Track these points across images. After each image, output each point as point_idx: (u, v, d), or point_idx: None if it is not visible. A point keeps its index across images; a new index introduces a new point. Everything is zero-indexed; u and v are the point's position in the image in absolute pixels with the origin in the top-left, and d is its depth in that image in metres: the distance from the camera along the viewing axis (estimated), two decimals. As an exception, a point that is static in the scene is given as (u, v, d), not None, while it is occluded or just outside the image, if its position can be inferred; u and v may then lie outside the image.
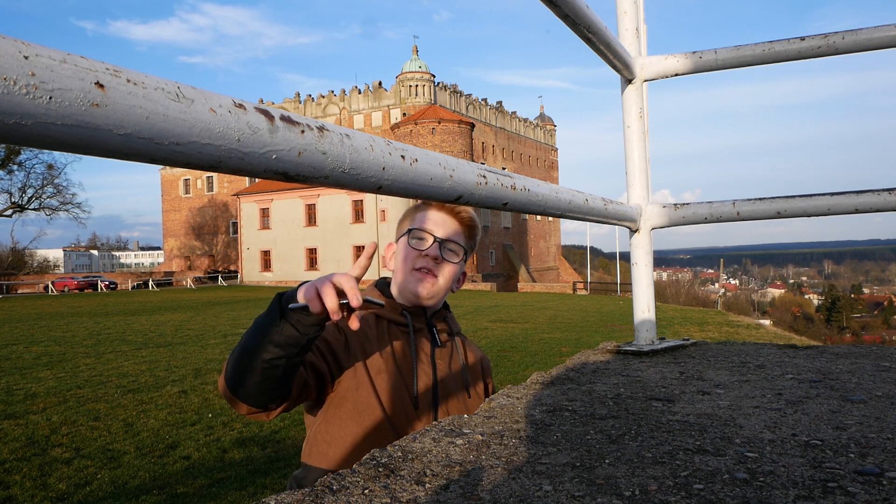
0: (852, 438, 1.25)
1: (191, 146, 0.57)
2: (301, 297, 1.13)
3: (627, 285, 43.04)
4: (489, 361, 1.62)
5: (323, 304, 1.11)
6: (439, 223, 1.44)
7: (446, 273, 1.43)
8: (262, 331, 1.15)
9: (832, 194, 2.10)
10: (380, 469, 1.14)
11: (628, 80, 2.28)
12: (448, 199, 1.00)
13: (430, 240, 1.42)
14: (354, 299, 1.11)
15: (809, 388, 1.70)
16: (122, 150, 0.53)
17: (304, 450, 1.45)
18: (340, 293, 1.12)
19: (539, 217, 79.63)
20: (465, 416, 1.50)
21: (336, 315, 1.10)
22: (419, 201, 1.48)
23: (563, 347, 13.63)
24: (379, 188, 0.83)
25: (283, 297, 1.16)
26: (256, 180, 62.07)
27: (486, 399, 1.65)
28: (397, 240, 1.49)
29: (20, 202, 55.95)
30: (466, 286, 48.22)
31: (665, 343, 2.35)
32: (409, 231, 1.44)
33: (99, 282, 54.17)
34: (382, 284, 1.53)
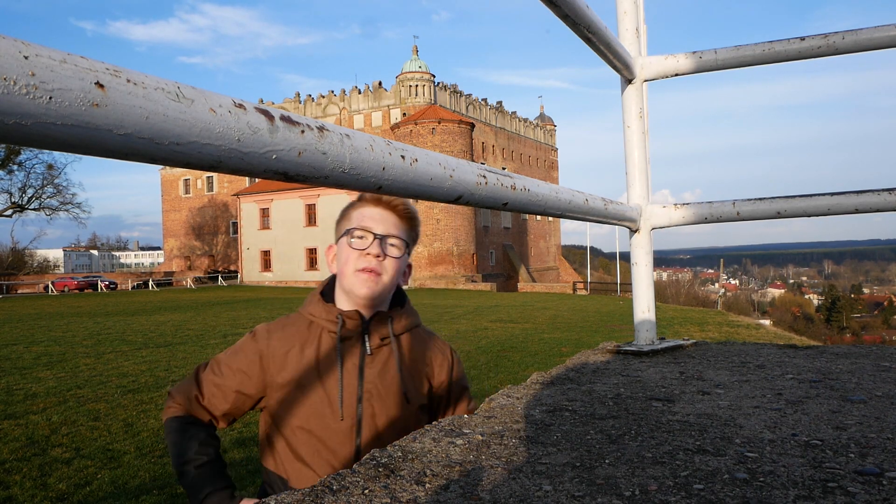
0: (852, 438, 1.25)
1: (191, 146, 0.57)
2: None
3: (627, 285, 43.04)
4: (452, 353, 1.57)
5: None
6: (377, 219, 1.42)
7: (390, 269, 1.41)
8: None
9: (832, 194, 2.10)
10: (380, 469, 1.14)
11: (628, 81, 2.28)
12: (448, 199, 1.00)
13: (370, 237, 1.40)
14: None
15: (809, 388, 1.70)
16: (123, 150, 0.53)
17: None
18: None
19: (539, 217, 79.61)
20: (465, 416, 1.50)
21: None
22: (354, 199, 1.48)
23: (563, 347, 13.63)
24: (379, 188, 0.83)
25: None
26: (256, 180, 62.06)
27: (487, 399, 1.65)
28: (337, 241, 1.47)
29: (20, 202, 55.95)
30: (466, 286, 48.21)
31: (665, 343, 2.35)
32: (348, 231, 1.42)
33: (99, 282, 54.16)
34: (328, 290, 1.51)
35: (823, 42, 2.12)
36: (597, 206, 1.79)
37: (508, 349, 13.40)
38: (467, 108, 67.68)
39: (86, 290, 51.97)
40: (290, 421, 1.37)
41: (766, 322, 41.45)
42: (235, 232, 66.79)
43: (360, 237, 1.41)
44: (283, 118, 0.66)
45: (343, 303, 1.45)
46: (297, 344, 1.41)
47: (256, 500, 1.21)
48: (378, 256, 1.39)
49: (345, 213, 1.48)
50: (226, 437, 6.90)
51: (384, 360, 1.44)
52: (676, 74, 2.27)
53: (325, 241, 52.83)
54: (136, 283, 59.17)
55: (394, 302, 1.53)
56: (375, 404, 1.41)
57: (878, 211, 2.03)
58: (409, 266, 1.52)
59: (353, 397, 1.39)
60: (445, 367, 1.55)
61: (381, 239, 1.40)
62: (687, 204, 2.31)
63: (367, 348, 1.43)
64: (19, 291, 54.71)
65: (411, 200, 1.34)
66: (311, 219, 55.07)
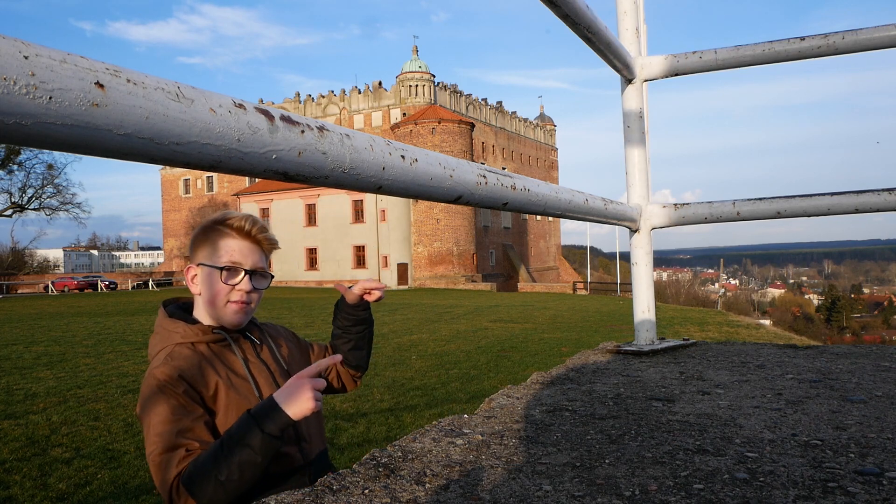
0: (852, 438, 1.25)
1: (191, 146, 0.57)
2: (297, 412, 1.28)
3: (627, 285, 43.05)
4: (287, 328, 1.79)
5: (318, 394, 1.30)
6: (246, 254, 1.51)
7: (256, 298, 1.55)
8: (262, 454, 1.28)
9: (832, 194, 2.09)
10: (380, 469, 1.14)
11: (628, 80, 2.27)
12: (448, 198, 1.00)
13: (241, 273, 1.50)
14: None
15: (809, 388, 1.70)
16: (123, 150, 0.53)
17: None
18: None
19: (539, 217, 79.60)
20: (465, 415, 1.50)
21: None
22: (212, 225, 1.55)
23: (563, 347, 13.64)
24: (379, 188, 0.83)
25: (266, 423, 1.29)
26: (256, 180, 62.08)
27: (485, 401, 1.65)
28: (197, 264, 1.54)
29: (20, 202, 55.95)
30: (466, 286, 48.24)
31: (665, 343, 2.34)
32: (218, 267, 1.50)
33: (99, 282, 54.16)
34: (178, 311, 1.58)
35: (823, 42, 2.12)
36: (597, 206, 1.79)
37: (508, 349, 13.41)
38: (467, 108, 67.69)
39: (86, 290, 51.97)
40: (230, 421, 1.43)
41: (767, 322, 41.45)
42: (235, 232, 66.66)
43: (231, 270, 1.49)
44: (283, 118, 0.66)
45: (208, 322, 1.54)
46: (204, 362, 1.47)
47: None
48: (250, 292, 1.50)
49: (207, 237, 1.53)
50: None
51: (267, 347, 1.61)
52: (676, 74, 2.27)
53: (325, 240, 52.89)
54: (136, 283, 59.15)
55: None
56: (285, 379, 1.56)
57: (878, 211, 2.03)
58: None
59: (269, 379, 1.53)
60: (289, 333, 1.77)
61: (252, 274, 1.51)
62: (687, 204, 2.31)
63: (255, 341, 1.59)
64: (19, 291, 54.74)
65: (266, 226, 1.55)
66: (312, 219, 55.09)
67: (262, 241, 1.54)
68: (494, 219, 68.66)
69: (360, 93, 65.13)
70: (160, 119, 0.53)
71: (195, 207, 74.82)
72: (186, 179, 76.00)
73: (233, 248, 1.50)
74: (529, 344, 14.15)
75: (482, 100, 71.83)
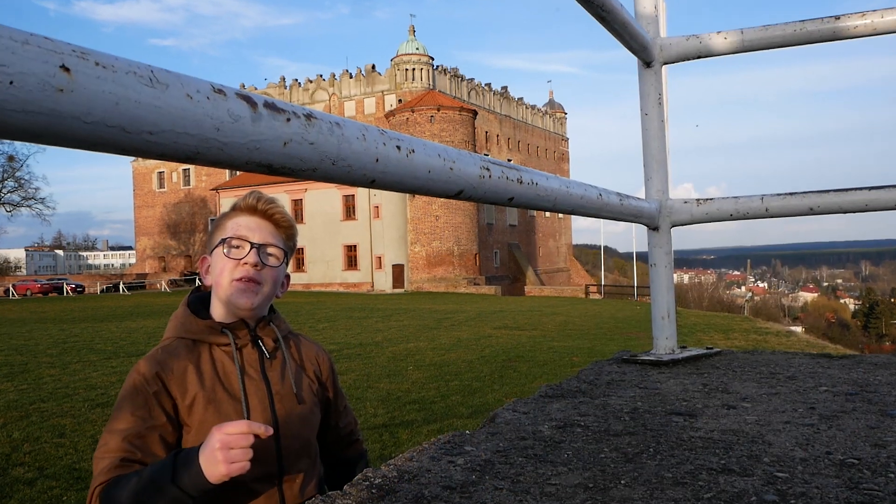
0: (892, 457, 1.25)
1: (165, 135, 0.57)
2: (212, 475, 1.23)
3: (645, 288, 43.06)
4: (329, 355, 1.70)
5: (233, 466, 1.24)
6: (254, 228, 1.49)
7: (269, 279, 1.49)
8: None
9: (870, 189, 2.09)
10: (373, 490, 1.14)
11: (646, 64, 2.28)
12: (448, 193, 1.00)
13: (247, 247, 1.47)
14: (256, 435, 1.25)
15: (845, 401, 1.70)
16: (90, 139, 0.53)
17: None
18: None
19: (548, 214, 79.69)
20: (467, 432, 1.50)
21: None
22: (224, 212, 1.56)
23: (575, 357, 13.64)
24: (372, 182, 0.83)
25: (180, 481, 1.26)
26: (237, 173, 62.07)
27: (489, 416, 1.65)
28: (211, 251, 1.53)
29: (-22, 197, 56.02)
30: (468, 290, 48.26)
31: (686, 352, 2.35)
32: (224, 241, 1.48)
33: (65, 285, 54.22)
34: (197, 302, 1.57)
35: (861, 21, 2.12)
36: (612, 201, 1.79)
37: (514, 359, 13.41)
38: (469, 93, 67.77)
39: (50, 294, 52.00)
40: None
41: (798, 329, 41.50)
42: (214, 230, 66.66)
43: (237, 246, 1.47)
44: (266, 105, 0.66)
45: (221, 315, 1.52)
46: (192, 363, 1.46)
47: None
48: (256, 266, 1.46)
49: (218, 224, 1.55)
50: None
51: (280, 363, 1.54)
52: (699, 57, 2.27)
53: (313, 239, 52.86)
54: (105, 287, 59.21)
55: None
56: (285, 406, 1.50)
57: (920, 207, 2.03)
58: (287, 277, 1.60)
59: (264, 403, 1.47)
60: (327, 364, 1.66)
61: (259, 248, 1.47)
62: (711, 199, 2.31)
63: (266, 352, 1.52)
64: (-23, 295, 54.77)
65: (288, 211, 1.45)
66: (298, 215, 55.03)
67: (272, 214, 1.52)
68: (499, 216, 68.72)
69: (351, 77, 65.19)
70: (132, 106, 0.53)
71: (170, 203, 74.85)
72: (161, 172, 76.01)
73: (239, 224, 1.50)
74: (537, 353, 14.16)
75: (485, 85, 71.86)
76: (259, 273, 1.47)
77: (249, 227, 1.49)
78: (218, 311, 1.52)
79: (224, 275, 1.46)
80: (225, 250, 1.47)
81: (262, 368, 1.50)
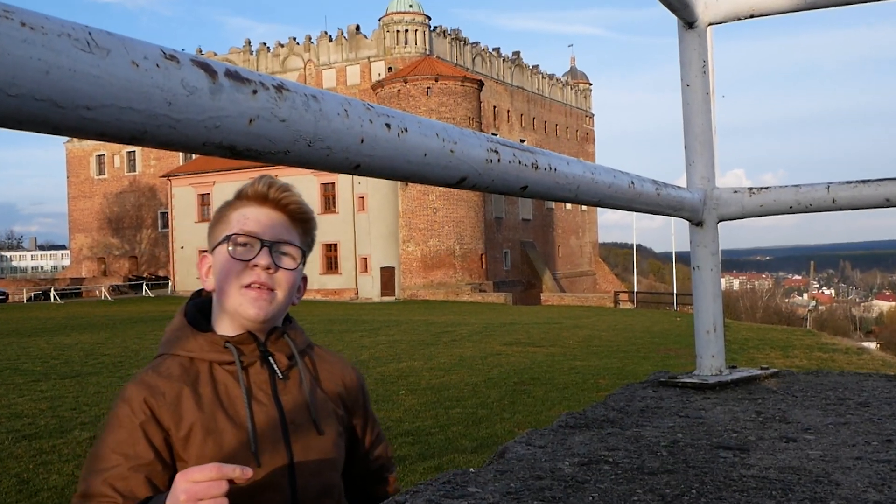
0: None
1: (106, 111, 0.57)
2: None
3: (687, 296, 43.07)
4: (358, 373, 1.68)
5: None
6: (264, 222, 1.47)
7: (284, 283, 1.46)
8: None
9: (959, 175, 2.09)
10: (357, 541, 1.14)
11: (688, 24, 2.28)
12: (448, 181, 1.00)
13: (257, 245, 1.45)
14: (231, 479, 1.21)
15: (929, 432, 1.70)
16: (15, 116, 0.53)
17: None
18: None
19: (569, 206, 79.73)
20: (471, 470, 1.50)
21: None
22: (225, 202, 1.53)
23: (601, 379, 13.65)
24: (356, 167, 0.83)
25: None
26: (193, 157, 62.11)
27: (498, 451, 1.65)
28: (212, 249, 1.51)
29: None
30: (472, 297, 48.26)
31: (737, 373, 2.35)
32: (228, 238, 1.46)
33: (-16, 292, 54.26)
34: (195, 310, 1.55)
35: (947, -27, 2.12)
36: (646, 190, 1.79)
37: (528, 381, 13.42)
38: (474, 60, 67.85)
39: (-33, 303, 52.01)
40: None
41: (872, 345, 41.48)
42: (166, 226, 66.85)
43: (245, 245, 1.45)
44: (229, 74, 0.66)
45: (225, 327, 1.50)
46: (188, 387, 1.45)
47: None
48: (269, 269, 1.44)
49: (220, 215, 1.53)
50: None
51: (296, 383, 1.51)
52: (751, 16, 2.27)
53: (284, 237, 52.88)
54: (33, 294, 59.23)
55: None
56: (302, 437, 1.47)
57: None
58: (305, 279, 1.58)
59: (276, 433, 1.45)
60: (355, 383, 1.64)
61: (272, 247, 1.45)
62: (766, 188, 2.31)
63: (278, 372, 1.49)
64: None
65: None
66: (267, 208, 55.00)
67: (287, 204, 1.49)
68: (510, 208, 68.81)
69: (331, 41, 65.27)
70: (65, 75, 0.53)
71: (112, 193, 74.90)
72: (100, 156, 76.07)
73: (247, 217, 1.47)
74: (556, 374, 14.16)
75: (493, 50, 71.98)
76: (272, 277, 1.44)
77: (259, 221, 1.46)
78: (221, 322, 1.50)
79: (230, 280, 1.44)
80: (230, 249, 1.44)
81: (273, 391, 1.48)
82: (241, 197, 1.51)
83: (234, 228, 1.46)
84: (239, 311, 1.44)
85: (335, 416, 1.55)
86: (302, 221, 1.52)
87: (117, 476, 1.36)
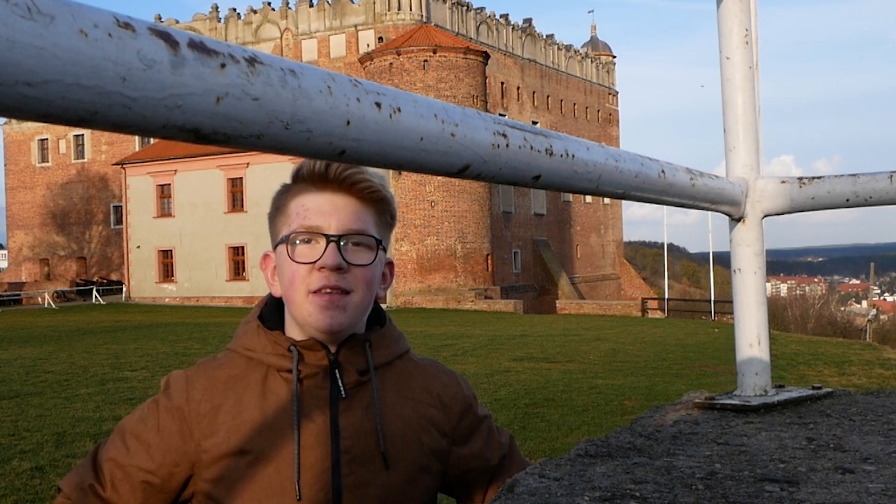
0: None
1: (49, 88, 0.57)
2: None
3: (726, 303, 43.09)
4: (467, 386, 1.62)
5: None
6: (328, 210, 1.42)
7: (360, 283, 1.43)
8: None
9: None
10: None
11: (728, -13, 2.28)
12: (449, 170, 1.00)
13: (322, 243, 1.40)
14: None
15: None
16: (-56, 94, 0.53)
17: None
18: None
19: (589, 199, 79.81)
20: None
21: None
22: (282, 187, 1.52)
23: (627, 400, 13.65)
24: (342, 153, 0.83)
25: None
26: (152, 141, 62.12)
27: (507, 484, 1.65)
28: (274, 247, 1.50)
29: None
30: (477, 305, 48.27)
31: (785, 393, 2.35)
32: (287, 238, 1.44)
33: None
34: (274, 307, 1.55)
35: None
36: (679, 180, 1.79)
37: (542, 403, 13.43)
38: (478, 29, 67.91)
39: None
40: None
41: (942, 361, 41.45)
42: (119, 222, 66.86)
43: (307, 241, 1.42)
44: (192, 45, 0.66)
45: (295, 331, 1.48)
46: (232, 395, 1.43)
47: None
48: (339, 268, 1.40)
49: (279, 205, 1.51)
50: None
51: (365, 404, 1.46)
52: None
53: (257, 235, 52.89)
54: (-35, 301, 59.26)
55: (370, 320, 1.56)
56: (360, 470, 1.43)
57: None
58: (390, 265, 1.55)
59: (324, 463, 1.41)
60: (459, 401, 1.59)
61: (339, 241, 1.41)
62: (819, 177, 2.31)
63: (341, 389, 1.45)
64: None
65: (381, 170, 1.30)
66: (237, 200, 55.13)
67: (354, 183, 1.43)
68: (521, 201, 68.85)
69: (312, 6, 65.33)
70: (2, 46, 0.53)
71: (57, 183, 74.90)
72: (43, 140, 76.09)
73: (306, 205, 1.44)
74: (575, 395, 14.16)
75: (501, 17, 71.98)
76: (344, 278, 1.40)
77: (321, 210, 1.42)
78: (290, 326, 1.49)
79: (295, 286, 1.41)
80: (289, 250, 1.42)
81: (332, 411, 1.44)
82: (299, 179, 1.47)
83: (293, 223, 1.44)
84: (309, 321, 1.41)
85: (420, 447, 1.50)
86: (375, 201, 1.47)
87: (126, 467, 1.42)
